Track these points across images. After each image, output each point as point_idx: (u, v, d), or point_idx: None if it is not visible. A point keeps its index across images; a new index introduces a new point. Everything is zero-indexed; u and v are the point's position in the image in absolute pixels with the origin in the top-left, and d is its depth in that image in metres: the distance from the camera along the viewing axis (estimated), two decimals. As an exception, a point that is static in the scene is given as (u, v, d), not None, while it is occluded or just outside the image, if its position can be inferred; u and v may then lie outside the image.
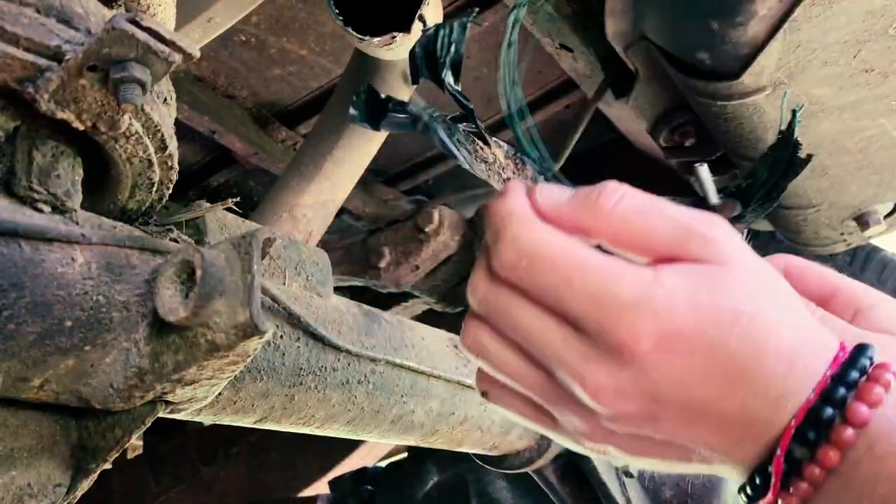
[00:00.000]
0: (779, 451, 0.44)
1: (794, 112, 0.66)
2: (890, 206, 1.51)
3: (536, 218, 0.48)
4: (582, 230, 0.48)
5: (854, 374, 0.44)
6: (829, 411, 0.43)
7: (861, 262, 2.23)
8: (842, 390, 0.43)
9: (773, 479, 0.45)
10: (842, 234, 1.58)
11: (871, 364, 0.45)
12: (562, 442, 0.53)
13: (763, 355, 0.44)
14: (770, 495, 0.45)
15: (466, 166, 0.60)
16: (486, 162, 0.60)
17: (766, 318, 0.45)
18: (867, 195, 1.45)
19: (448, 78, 0.62)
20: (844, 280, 0.57)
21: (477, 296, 0.50)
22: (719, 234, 0.47)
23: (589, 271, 0.45)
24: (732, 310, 0.45)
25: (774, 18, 0.99)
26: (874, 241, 2.17)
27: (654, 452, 0.49)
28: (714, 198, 0.63)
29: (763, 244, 2.51)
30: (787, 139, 0.70)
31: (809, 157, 0.82)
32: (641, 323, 0.44)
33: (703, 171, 0.65)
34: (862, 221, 1.51)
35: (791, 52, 1.05)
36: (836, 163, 1.33)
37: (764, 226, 1.76)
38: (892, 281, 2.24)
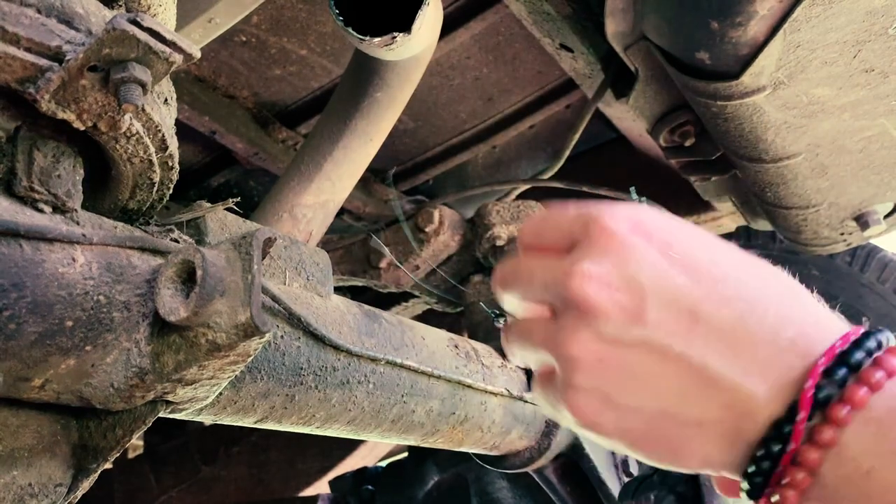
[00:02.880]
0: (809, 382, 0.44)
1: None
2: (890, 206, 1.51)
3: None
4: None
5: (881, 338, 0.45)
6: (859, 355, 0.44)
7: (861, 263, 2.23)
8: (871, 342, 0.44)
9: (800, 415, 0.43)
10: (842, 234, 1.58)
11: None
12: (556, 401, 0.52)
13: (773, 281, 0.49)
14: (793, 444, 0.44)
15: None
16: None
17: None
18: (867, 195, 1.45)
19: None
20: None
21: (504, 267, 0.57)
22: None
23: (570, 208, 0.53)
24: (705, 238, 0.50)
25: (774, 18, 0.99)
26: (874, 241, 2.17)
27: (652, 383, 0.48)
28: None
29: (763, 244, 2.51)
30: None
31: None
32: (619, 214, 0.50)
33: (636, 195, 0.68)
34: (862, 221, 1.51)
35: (791, 52, 1.05)
36: (835, 163, 1.33)
37: (764, 226, 1.76)
38: (892, 281, 2.24)
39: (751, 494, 0.47)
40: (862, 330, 0.45)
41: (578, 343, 0.49)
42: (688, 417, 0.47)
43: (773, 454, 0.45)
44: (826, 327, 0.46)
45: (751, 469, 0.46)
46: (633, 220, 0.49)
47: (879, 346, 0.44)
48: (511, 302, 0.56)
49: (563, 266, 0.50)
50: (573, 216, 0.52)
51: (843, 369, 0.43)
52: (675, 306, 0.47)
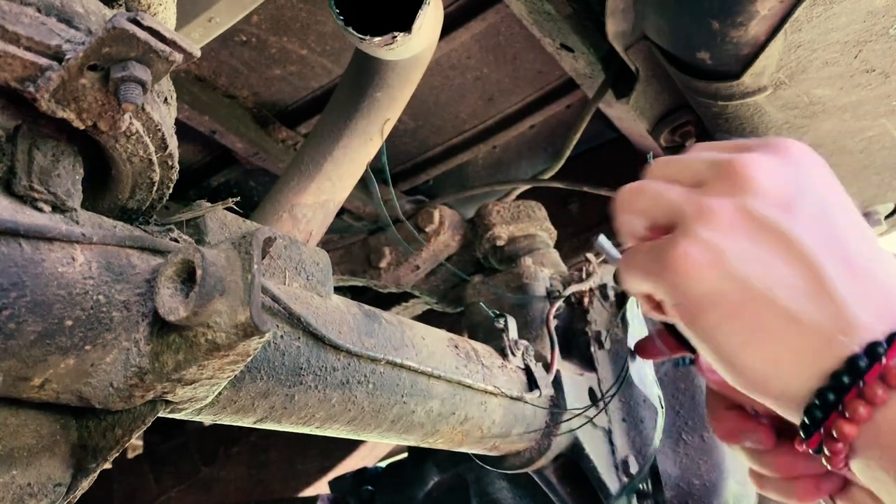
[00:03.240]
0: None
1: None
2: (891, 207, 1.51)
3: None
4: None
5: None
6: None
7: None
8: None
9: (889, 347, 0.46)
10: (842, 234, 1.58)
11: None
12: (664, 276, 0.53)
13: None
14: (884, 361, 0.45)
15: None
16: None
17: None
18: (868, 196, 1.45)
19: None
20: None
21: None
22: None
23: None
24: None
25: (775, 18, 0.99)
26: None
27: (767, 269, 0.49)
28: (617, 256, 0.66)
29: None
30: None
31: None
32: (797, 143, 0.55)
33: (603, 240, 0.67)
34: (862, 222, 1.51)
35: (792, 53, 1.05)
36: (836, 163, 1.32)
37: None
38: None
39: (806, 427, 0.48)
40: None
41: (720, 203, 0.51)
42: (788, 309, 0.48)
43: (857, 370, 0.46)
44: None
45: (816, 400, 0.47)
46: (806, 148, 0.55)
47: None
48: (630, 223, 0.58)
49: (724, 154, 0.54)
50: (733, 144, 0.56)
51: None
52: (824, 219, 0.50)
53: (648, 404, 1.38)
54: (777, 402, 0.50)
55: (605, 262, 1.57)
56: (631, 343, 0.61)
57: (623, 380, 0.95)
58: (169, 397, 0.62)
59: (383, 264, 1.61)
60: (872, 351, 0.46)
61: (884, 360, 0.45)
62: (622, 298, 0.66)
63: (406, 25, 0.99)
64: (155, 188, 0.66)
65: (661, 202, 0.55)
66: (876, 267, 0.49)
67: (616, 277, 0.65)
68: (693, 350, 0.56)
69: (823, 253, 0.48)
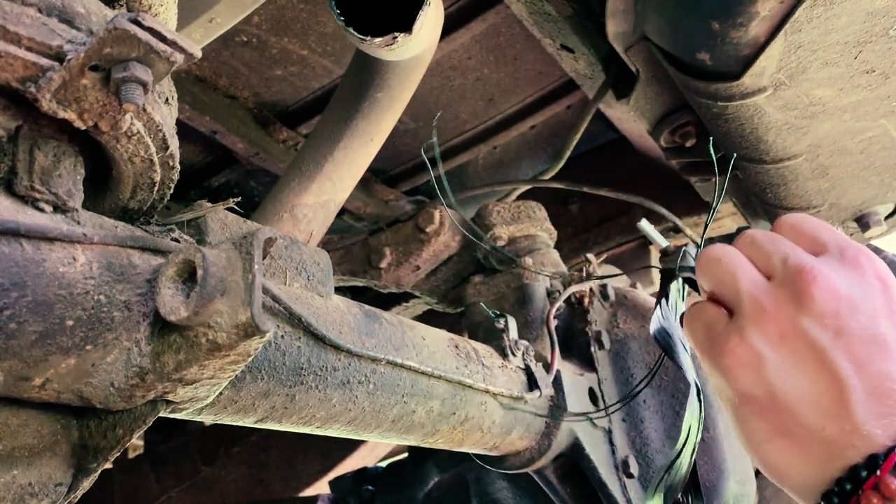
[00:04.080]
0: None
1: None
2: (891, 208, 1.51)
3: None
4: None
5: None
6: None
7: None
8: None
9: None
10: (842, 234, 1.58)
11: None
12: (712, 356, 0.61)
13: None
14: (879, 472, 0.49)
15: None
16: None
17: None
18: (868, 196, 1.45)
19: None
20: None
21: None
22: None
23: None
24: None
25: (775, 19, 0.99)
26: (875, 243, 2.17)
27: (799, 383, 0.55)
28: (663, 243, 0.68)
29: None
30: None
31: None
32: (870, 254, 0.60)
33: (645, 224, 0.70)
34: (863, 223, 1.51)
35: (792, 53, 1.05)
36: (836, 164, 1.33)
37: (765, 227, 1.76)
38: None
39: None
40: None
41: (776, 313, 0.57)
42: (807, 422, 0.54)
43: (858, 478, 0.50)
44: None
45: (834, 487, 0.52)
46: (880, 264, 0.58)
47: None
48: (703, 282, 0.65)
49: (798, 257, 0.59)
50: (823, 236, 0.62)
51: None
52: (872, 339, 0.54)
53: (648, 404, 1.38)
54: (793, 493, 0.56)
55: (605, 262, 1.57)
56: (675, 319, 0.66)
57: (658, 368, 0.96)
58: (170, 397, 0.62)
59: (384, 264, 1.61)
60: (872, 462, 0.51)
61: (878, 473, 0.50)
62: (668, 277, 0.69)
63: (407, 26, 0.99)
64: (156, 188, 0.66)
65: (729, 284, 0.61)
66: None
67: (662, 259, 0.70)
68: None
69: (857, 375, 0.53)
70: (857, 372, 0.53)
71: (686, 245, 0.70)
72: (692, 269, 0.68)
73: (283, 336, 0.75)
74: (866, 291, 0.56)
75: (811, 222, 0.63)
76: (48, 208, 0.57)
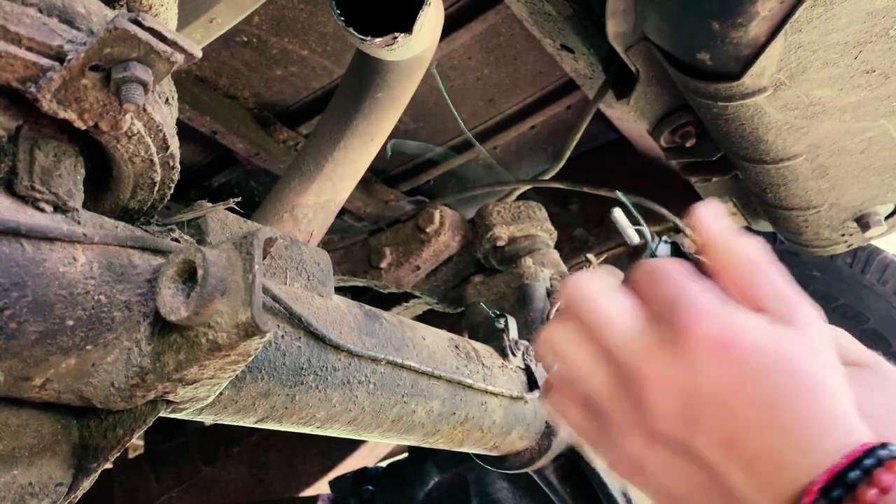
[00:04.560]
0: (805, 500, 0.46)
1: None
2: (891, 208, 1.51)
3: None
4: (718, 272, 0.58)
5: (884, 453, 0.46)
6: (855, 474, 0.46)
7: (862, 264, 2.23)
8: (870, 461, 0.46)
9: None
10: (842, 235, 1.58)
11: None
12: (601, 459, 0.58)
13: (810, 404, 0.48)
14: None
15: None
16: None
17: (824, 375, 0.50)
18: (868, 196, 1.45)
19: None
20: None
21: (566, 292, 0.58)
22: (804, 307, 0.54)
23: (681, 281, 0.54)
24: (795, 355, 0.50)
25: (775, 19, 0.99)
26: (875, 243, 2.17)
27: (682, 479, 0.52)
28: (633, 238, 0.64)
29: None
30: None
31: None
32: (710, 320, 0.51)
33: (619, 215, 0.66)
34: (863, 223, 1.51)
35: (792, 53, 1.05)
36: (836, 164, 1.33)
37: (765, 227, 1.76)
38: (893, 283, 2.24)
39: None
40: (868, 445, 0.46)
41: (631, 433, 0.54)
42: None
43: None
44: (839, 446, 0.48)
45: None
46: (718, 330, 0.51)
47: (880, 462, 0.46)
48: (551, 356, 0.59)
49: (634, 355, 0.53)
50: (671, 292, 0.54)
51: (839, 490, 0.45)
52: (728, 420, 0.50)
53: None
54: None
55: (605, 262, 1.57)
56: None
57: None
58: (170, 397, 0.62)
59: (384, 264, 1.61)
60: None
61: None
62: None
63: (407, 26, 0.99)
64: (156, 188, 0.66)
65: (577, 383, 0.58)
66: (787, 443, 0.49)
67: (629, 257, 0.66)
68: None
69: (727, 459, 0.50)
70: (726, 457, 0.50)
71: (658, 241, 0.67)
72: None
73: (283, 336, 0.75)
74: (703, 369, 0.50)
75: (660, 277, 0.56)
76: (48, 208, 0.57)
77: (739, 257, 0.56)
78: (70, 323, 0.55)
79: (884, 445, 0.46)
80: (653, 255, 0.63)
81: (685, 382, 0.51)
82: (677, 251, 0.63)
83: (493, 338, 1.20)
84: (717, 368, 0.50)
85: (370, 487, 1.80)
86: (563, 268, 1.54)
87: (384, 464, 2.02)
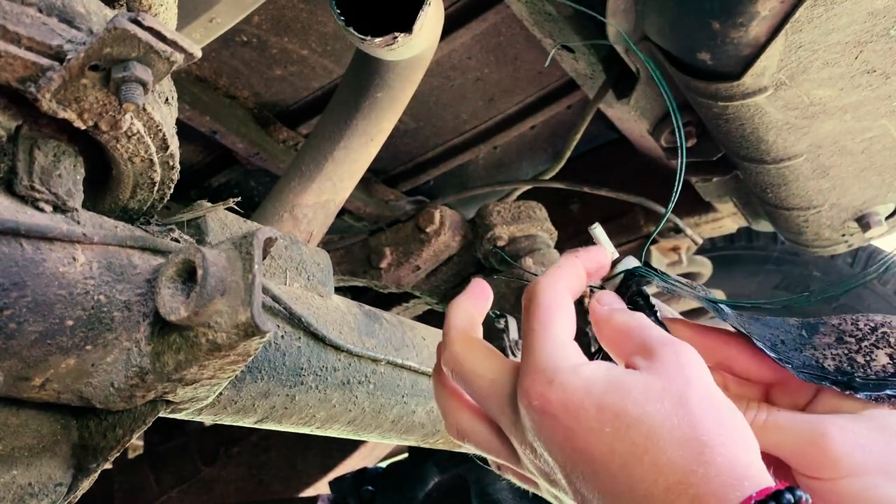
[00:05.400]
0: None
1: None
2: (891, 208, 1.51)
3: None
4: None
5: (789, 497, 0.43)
6: None
7: (862, 264, 2.23)
8: None
9: None
10: (843, 235, 1.58)
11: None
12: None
13: (633, 459, 0.46)
14: None
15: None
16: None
17: (658, 435, 0.46)
18: (869, 196, 1.45)
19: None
20: None
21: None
22: (669, 352, 0.51)
23: (542, 328, 0.55)
24: (625, 413, 0.48)
25: (776, 19, 0.99)
26: (875, 243, 2.17)
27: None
28: (611, 251, 0.64)
29: (764, 245, 2.51)
30: None
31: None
32: (542, 381, 0.51)
33: (598, 231, 0.65)
34: (863, 223, 1.51)
35: (792, 53, 1.05)
36: (837, 164, 1.33)
37: (765, 227, 1.76)
38: (893, 283, 2.24)
39: None
40: (770, 490, 0.43)
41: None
42: None
43: None
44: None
45: None
46: (546, 395, 0.51)
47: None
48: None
49: (491, 411, 0.56)
50: (527, 337, 0.55)
51: None
52: (583, 484, 0.50)
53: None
54: None
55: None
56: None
57: None
58: (170, 397, 0.62)
59: (384, 265, 1.61)
60: None
61: None
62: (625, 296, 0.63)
63: (407, 26, 0.99)
64: (156, 188, 0.66)
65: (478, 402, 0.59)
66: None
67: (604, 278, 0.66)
68: None
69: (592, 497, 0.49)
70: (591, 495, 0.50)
71: (624, 257, 0.66)
72: (641, 278, 0.63)
73: (283, 336, 0.75)
74: (538, 428, 0.51)
75: (530, 312, 0.56)
76: (48, 208, 0.57)
77: (597, 316, 0.58)
78: (70, 323, 0.55)
79: (781, 491, 0.43)
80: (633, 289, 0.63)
81: (527, 439, 0.53)
82: (641, 294, 0.63)
83: (494, 338, 1.19)
84: (546, 431, 0.51)
85: (370, 488, 1.80)
86: (564, 268, 1.54)
87: (384, 464, 2.02)
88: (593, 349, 0.65)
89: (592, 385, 0.50)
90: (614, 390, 0.49)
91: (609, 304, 0.59)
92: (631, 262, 0.64)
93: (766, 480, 0.44)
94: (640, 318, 0.56)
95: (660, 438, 0.46)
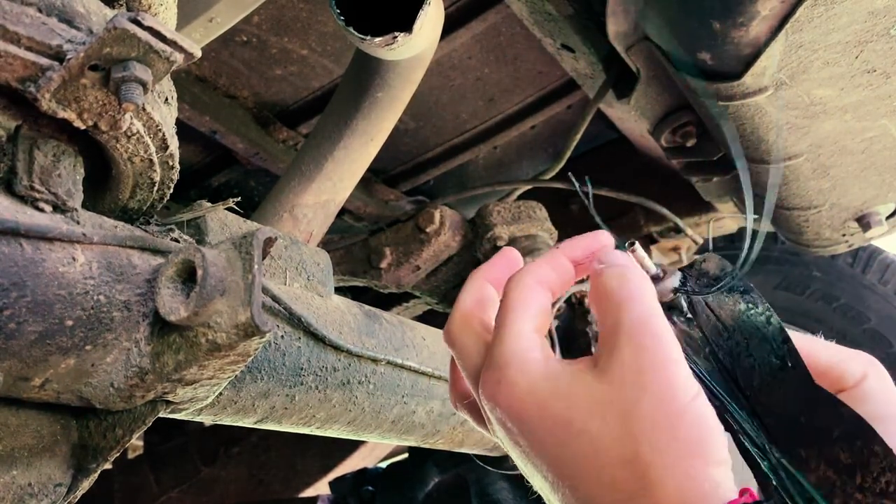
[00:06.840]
0: None
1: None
2: (892, 208, 1.51)
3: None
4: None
5: None
6: None
7: (863, 264, 2.23)
8: None
9: None
10: (843, 235, 1.58)
11: None
12: None
13: (579, 471, 0.46)
14: None
15: None
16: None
17: (600, 453, 0.46)
18: (869, 196, 1.45)
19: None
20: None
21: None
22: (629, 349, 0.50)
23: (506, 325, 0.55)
24: (568, 424, 0.48)
25: (776, 19, 0.99)
26: (876, 243, 2.17)
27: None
28: (653, 269, 0.63)
29: (764, 245, 2.51)
30: None
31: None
32: (492, 382, 0.52)
33: (639, 250, 0.64)
34: (864, 223, 1.51)
35: (793, 53, 1.05)
36: (837, 164, 1.33)
37: (765, 227, 1.76)
38: (894, 283, 2.24)
39: None
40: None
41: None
42: None
43: None
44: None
45: None
46: (494, 392, 0.52)
47: None
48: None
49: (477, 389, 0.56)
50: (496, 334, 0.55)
51: None
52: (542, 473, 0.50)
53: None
54: None
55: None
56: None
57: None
58: (169, 397, 0.62)
59: (384, 265, 1.61)
60: None
61: None
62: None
63: (407, 25, 0.99)
64: (156, 188, 0.66)
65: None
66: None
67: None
68: None
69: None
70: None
71: (673, 270, 0.65)
72: (688, 292, 0.62)
73: (282, 336, 0.75)
74: (501, 428, 0.52)
75: (503, 306, 0.56)
76: (48, 208, 0.57)
77: (598, 287, 0.55)
78: (69, 323, 0.55)
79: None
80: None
81: (493, 426, 0.53)
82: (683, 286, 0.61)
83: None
84: (498, 424, 0.52)
85: (370, 488, 1.80)
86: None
87: (384, 464, 2.02)
88: (594, 349, 0.64)
89: (536, 387, 0.50)
90: (560, 398, 0.49)
91: (610, 263, 0.57)
92: (676, 280, 0.62)
93: (722, 495, 0.43)
94: (628, 283, 0.53)
95: (603, 456, 0.45)
